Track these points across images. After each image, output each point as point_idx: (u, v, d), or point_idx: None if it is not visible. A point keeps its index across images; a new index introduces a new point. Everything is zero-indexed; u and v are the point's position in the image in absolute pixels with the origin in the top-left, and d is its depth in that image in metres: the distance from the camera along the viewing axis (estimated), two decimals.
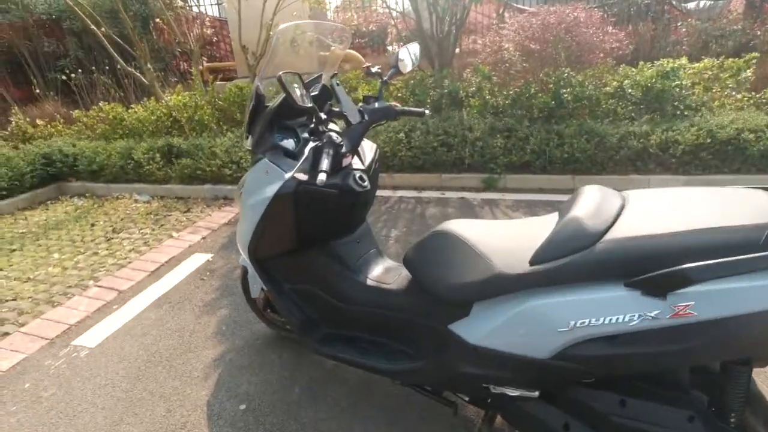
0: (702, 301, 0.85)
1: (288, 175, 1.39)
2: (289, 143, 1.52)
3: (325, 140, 1.35)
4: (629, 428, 1.00)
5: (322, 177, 1.22)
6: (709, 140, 3.41)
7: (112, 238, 3.37)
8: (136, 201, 4.19)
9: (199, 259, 2.95)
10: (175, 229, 3.44)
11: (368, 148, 1.67)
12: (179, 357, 2.04)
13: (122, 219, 3.76)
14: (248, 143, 1.63)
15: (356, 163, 1.57)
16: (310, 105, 1.33)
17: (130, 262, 2.96)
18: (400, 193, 3.97)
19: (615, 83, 4.17)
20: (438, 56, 5.47)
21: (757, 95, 3.89)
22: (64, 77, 6.70)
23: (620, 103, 4.09)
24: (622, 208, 1.05)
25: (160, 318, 2.34)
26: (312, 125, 1.49)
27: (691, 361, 0.98)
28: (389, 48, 9.29)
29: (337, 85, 1.55)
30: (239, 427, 1.64)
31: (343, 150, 1.39)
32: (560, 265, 1.00)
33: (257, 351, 2.04)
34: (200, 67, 6.27)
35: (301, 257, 1.59)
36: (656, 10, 7.87)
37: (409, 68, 1.67)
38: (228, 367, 1.96)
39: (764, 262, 0.81)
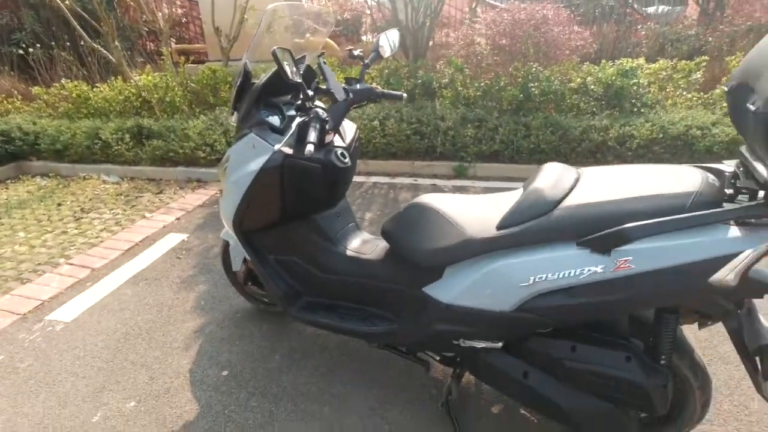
0: (638, 256, 1.01)
1: (276, 148, 1.46)
2: (274, 119, 1.60)
3: (312, 115, 1.44)
4: (579, 370, 1.16)
5: (310, 148, 1.31)
6: (661, 135, 3.69)
7: (82, 218, 3.31)
8: (104, 182, 4.10)
9: (174, 239, 2.95)
10: (147, 210, 3.42)
11: (349, 128, 1.76)
12: (159, 330, 2.08)
13: (91, 199, 3.68)
14: (234, 119, 1.69)
15: (338, 141, 1.66)
16: (299, 80, 1.41)
17: (102, 241, 2.94)
18: (374, 179, 4.07)
19: (579, 80, 4.40)
20: (412, 47, 5.57)
21: (705, 95, 4.21)
22: (21, 52, 6.37)
23: (583, 99, 4.33)
24: (576, 181, 1.20)
25: (137, 294, 2.36)
26: (299, 102, 1.56)
27: (630, 309, 1.14)
28: (363, 37, 9.31)
29: (324, 63, 1.63)
30: (222, 391, 1.72)
31: (328, 126, 1.48)
32: (523, 229, 1.15)
33: (237, 323, 2.11)
34: (169, 48, 6.10)
35: (285, 229, 1.67)
36: (619, 13, 8.26)
37: (388, 53, 1.77)
38: (208, 338, 2.02)
39: (688, 222, 0.98)
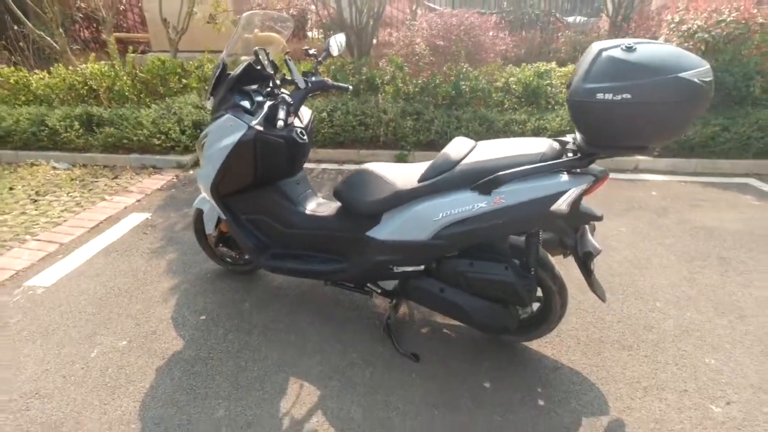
0: (508, 194, 1.52)
1: (252, 124, 1.84)
2: (246, 104, 1.96)
3: (280, 99, 1.83)
4: (475, 278, 1.65)
5: (280, 124, 1.71)
6: (568, 128, 4.40)
7: (38, 200, 3.42)
8: (54, 168, 4.15)
9: (137, 218, 3.18)
10: (106, 193, 3.58)
11: (306, 113, 2.16)
12: (137, 289, 2.37)
13: (43, 184, 3.76)
14: (209, 103, 2.04)
15: (297, 122, 2.07)
16: (271, 72, 1.80)
17: (65, 221, 3.10)
18: (323, 165, 4.46)
19: (503, 80, 5.05)
20: (357, 46, 5.99)
21: None
22: None
23: (506, 96, 4.99)
24: (472, 148, 1.70)
25: (111, 263, 2.61)
26: (268, 89, 1.95)
27: (505, 232, 1.65)
28: (309, 33, 9.56)
29: (289, 60, 2.03)
30: (202, 330, 2.07)
31: (291, 109, 1.88)
32: (435, 180, 1.63)
33: (209, 281, 2.44)
34: (109, 36, 6.06)
35: (255, 194, 2.05)
36: (544, 21, 9.21)
37: (336, 53, 2.18)
38: (184, 293, 2.34)
39: (536, 171, 1.50)
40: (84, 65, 5.09)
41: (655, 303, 2.27)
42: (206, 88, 5.14)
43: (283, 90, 1.99)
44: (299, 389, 1.74)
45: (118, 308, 2.21)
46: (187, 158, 4.25)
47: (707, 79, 1.27)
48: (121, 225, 3.07)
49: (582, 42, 7.75)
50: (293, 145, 1.97)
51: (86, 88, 4.94)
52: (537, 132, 4.46)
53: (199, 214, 2.33)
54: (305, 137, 2.01)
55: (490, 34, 5.17)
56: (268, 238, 2.10)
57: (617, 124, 1.34)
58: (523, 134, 4.48)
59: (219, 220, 2.25)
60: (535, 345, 1.98)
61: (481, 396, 1.72)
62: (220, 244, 2.39)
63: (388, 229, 1.75)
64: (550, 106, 4.91)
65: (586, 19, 9.72)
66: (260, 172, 1.95)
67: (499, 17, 8.87)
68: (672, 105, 1.27)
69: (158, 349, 1.94)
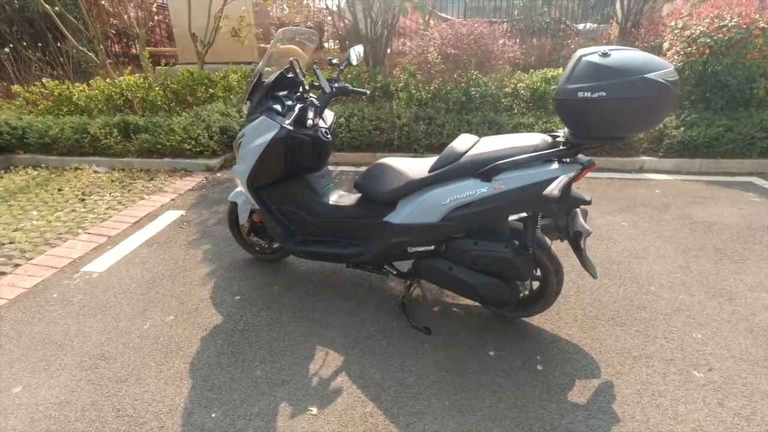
0: (506, 181, 1.75)
1: (284, 124, 2.12)
2: (277, 107, 2.24)
3: (309, 102, 2.11)
4: (479, 256, 1.88)
5: (310, 122, 1.98)
6: None
7: (85, 200, 3.77)
8: (95, 172, 4.52)
9: (173, 215, 3.49)
10: (144, 193, 3.92)
11: (329, 115, 2.44)
12: (178, 274, 2.65)
13: (87, 185, 4.12)
14: (246, 107, 2.33)
15: (321, 123, 2.34)
16: (302, 79, 2.10)
17: (110, 217, 3.43)
18: (341, 167, 4.74)
19: (512, 85, 5.28)
20: (372, 55, 6.30)
21: None
22: None
23: (515, 101, 5.21)
24: (475, 142, 1.94)
25: (153, 253, 2.91)
26: (298, 93, 2.24)
27: (504, 214, 1.87)
28: (326, 44, 9.96)
29: (316, 68, 2.31)
30: (238, 308, 2.33)
31: (318, 110, 2.16)
32: (443, 170, 1.88)
33: (241, 268, 2.72)
34: (143, 51, 6.50)
35: (284, 186, 2.32)
36: (554, 28, 9.41)
37: (355, 62, 2.45)
38: (220, 278, 2.61)
39: (530, 160, 1.73)
40: (120, 78, 5.50)
41: (650, 287, 2.46)
42: (238, 95, 5.52)
43: (310, 94, 2.27)
44: (325, 356, 1.99)
45: (163, 290, 2.49)
46: (215, 162, 4.58)
47: (671, 79, 1.49)
48: (159, 221, 3.38)
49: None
50: (318, 143, 2.24)
51: (122, 98, 5.34)
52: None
53: (234, 206, 2.62)
54: (329, 136, 2.28)
55: (501, 42, 5.41)
56: (296, 226, 2.37)
57: (596, 119, 1.57)
58: None
59: (252, 212, 2.53)
60: (535, 321, 2.19)
61: (486, 362, 1.94)
62: (252, 234, 2.67)
63: (403, 214, 1.99)
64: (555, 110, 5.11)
65: (596, 26, 9.89)
66: (290, 167, 2.23)
67: (510, 25, 9.13)
68: (640, 101, 1.49)
69: (201, 323, 2.21)
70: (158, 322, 2.22)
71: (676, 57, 4.88)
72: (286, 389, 1.80)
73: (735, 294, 2.38)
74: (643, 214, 3.38)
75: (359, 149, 4.92)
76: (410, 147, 4.84)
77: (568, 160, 1.75)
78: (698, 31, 4.70)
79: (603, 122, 1.58)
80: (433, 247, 2.00)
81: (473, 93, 5.05)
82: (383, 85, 5.47)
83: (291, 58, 2.08)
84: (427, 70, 5.51)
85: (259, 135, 2.20)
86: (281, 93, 2.33)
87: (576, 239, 1.82)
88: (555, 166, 1.73)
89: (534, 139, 1.82)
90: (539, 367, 1.90)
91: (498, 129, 4.73)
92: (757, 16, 4.56)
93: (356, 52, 2.44)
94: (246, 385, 1.82)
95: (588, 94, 1.52)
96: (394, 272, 2.27)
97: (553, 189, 1.67)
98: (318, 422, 1.65)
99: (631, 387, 1.79)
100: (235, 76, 5.77)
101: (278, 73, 2.25)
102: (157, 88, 5.34)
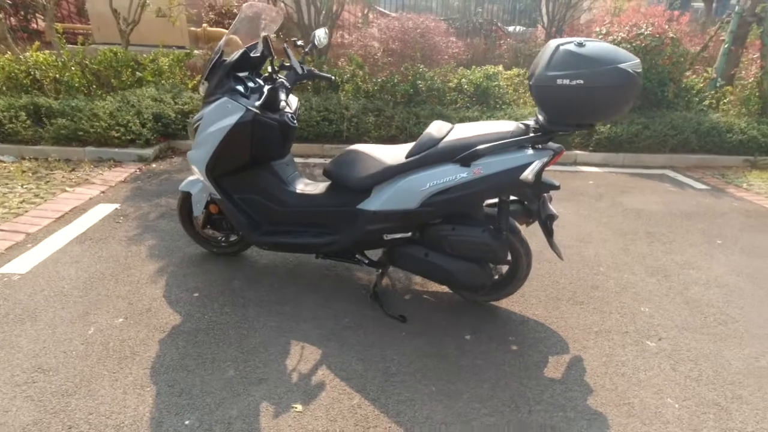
0: (485, 166, 1.78)
1: (250, 107, 1.97)
2: (240, 88, 2.08)
3: (278, 84, 1.98)
4: (457, 241, 1.90)
5: (283, 104, 1.86)
6: None
7: None
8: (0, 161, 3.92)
9: (106, 208, 3.13)
10: (66, 185, 3.46)
11: (293, 100, 2.32)
12: (122, 273, 2.38)
13: None
14: (202, 88, 2.13)
15: (287, 108, 2.21)
16: (274, 57, 1.97)
17: (26, 211, 2.99)
18: None
19: (456, 80, 5.43)
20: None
21: None
22: None
23: (459, 96, 5.36)
24: (450, 129, 1.95)
25: (87, 250, 2.58)
26: (265, 74, 2.09)
27: (483, 198, 1.91)
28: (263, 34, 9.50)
29: (288, 48, 2.17)
30: (198, 306, 2.15)
31: (286, 92, 2.04)
32: (422, 155, 1.87)
33: (195, 264, 2.50)
34: (53, 25, 5.74)
35: (247, 174, 2.17)
36: (487, 29, 9.84)
37: (320, 46, 2.36)
38: (172, 275, 2.39)
39: (507, 146, 1.78)
40: (26, 54, 4.81)
41: (599, 268, 2.66)
42: (170, 81, 5.07)
43: (279, 75, 2.13)
44: (301, 350, 1.89)
45: (105, 290, 2.22)
46: (149, 151, 4.18)
47: (638, 71, 1.60)
48: (89, 215, 3.01)
49: (522, 49, 8.41)
50: (285, 128, 2.12)
51: (29, 78, 4.67)
52: None
53: (186, 197, 2.40)
54: (295, 121, 2.17)
55: (448, 38, 5.53)
56: (260, 216, 2.23)
57: (572, 105, 1.65)
58: None
59: (208, 203, 2.34)
60: (503, 304, 2.26)
61: (464, 346, 1.97)
62: (208, 226, 2.47)
63: (379, 201, 1.95)
64: (497, 105, 5.35)
65: (524, 28, 10.50)
66: (255, 153, 2.08)
67: (447, 24, 9.40)
68: (612, 89, 1.60)
69: (157, 324, 2.00)
70: (105, 325, 1.98)
71: None
72: (265, 388, 1.69)
73: (669, 272, 2.65)
74: (582, 203, 3.64)
75: (307, 140, 4.77)
76: (360, 138, 4.78)
77: (540, 146, 1.82)
78: (620, 38, 5.17)
79: (578, 109, 1.66)
80: (410, 234, 1.99)
81: (420, 86, 5.11)
82: (332, 73, 5.35)
83: (264, 34, 1.93)
84: (373, 62, 5.48)
85: (220, 118, 2.03)
86: (243, 74, 2.17)
87: (548, 222, 1.90)
88: (530, 152, 1.79)
89: (508, 126, 1.87)
90: (514, 347, 1.97)
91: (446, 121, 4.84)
92: (667, 27, 5.12)
93: (320, 35, 2.34)
94: (219, 387, 1.68)
95: (567, 81, 1.58)
96: (366, 261, 2.23)
97: (528, 174, 1.73)
98: (305, 419, 1.57)
99: (598, 359, 1.92)
100: (166, 60, 5.30)
101: (242, 51, 2.08)
102: (73, 68, 4.75)
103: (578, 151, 4.96)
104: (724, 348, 2.02)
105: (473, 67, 5.63)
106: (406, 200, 1.89)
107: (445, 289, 2.34)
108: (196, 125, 2.13)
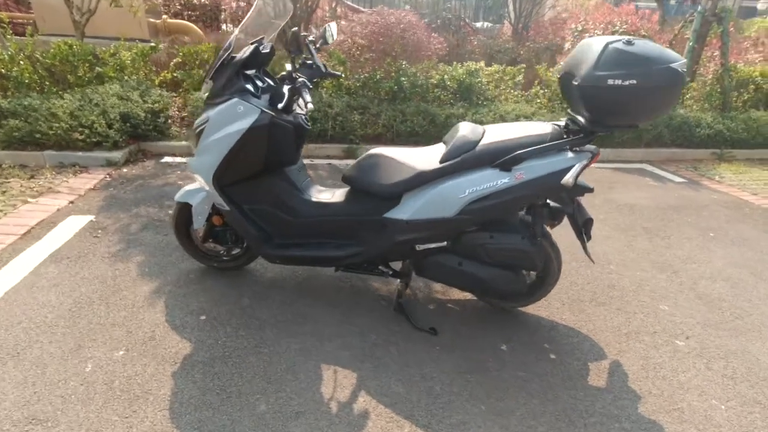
0: (527, 170, 1.70)
1: (265, 109, 1.78)
2: (250, 88, 1.88)
3: (301, 84, 1.79)
4: (495, 249, 1.81)
5: (310, 107, 1.68)
6: (500, 121, 4.83)
7: None
8: None
9: (79, 221, 2.80)
10: (27, 195, 3.08)
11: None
12: (113, 296, 2.11)
13: None
14: (206, 87, 1.91)
15: (298, 109, 2.03)
16: (304, 54, 1.79)
17: None
18: None
19: (438, 76, 5.35)
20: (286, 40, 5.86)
21: (526, 93, 5.60)
22: None
23: (442, 92, 5.29)
24: (484, 131, 1.85)
25: (66, 271, 2.28)
26: (284, 72, 1.89)
27: (524, 203, 1.83)
28: (223, 26, 9.05)
29: (311, 44, 1.99)
30: (207, 330, 1.93)
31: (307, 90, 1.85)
32: (458, 160, 1.75)
33: (194, 281, 2.27)
34: None
35: (258, 182, 1.97)
36: (456, 25, 9.85)
37: (330, 41, 2.18)
38: (171, 295, 2.15)
39: (549, 149, 1.70)
40: None
41: (609, 266, 2.66)
42: (134, 77, 4.65)
43: (298, 74, 1.94)
44: (334, 374, 1.74)
45: (97, 318, 1.96)
46: (118, 155, 3.81)
47: (684, 70, 1.57)
48: (60, 229, 2.68)
49: (492, 45, 8.48)
50: (300, 131, 1.94)
51: None
52: None
53: (182, 208, 2.16)
54: (309, 124, 2.00)
55: (433, 35, 5.43)
56: (272, 228, 2.04)
57: (621, 106, 1.59)
58: None
59: (210, 214, 2.12)
60: (529, 309, 2.20)
61: (502, 357, 1.88)
62: (210, 239, 2.24)
63: (411, 209, 1.82)
64: (480, 102, 5.32)
65: (491, 24, 10.63)
66: (269, 159, 1.89)
67: (417, 19, 9.32)
68: (664, 90, 1.55)
69: (165, 354, 1.78)
70: (104, 360, 1.73)
71: None
72: (304, 422, 1.52)
73: (675, 267, 2.70)
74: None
75: None
76: (345, 137, 4.61)
77: (578, 148, 1.76)
78: (596, 34, 5.28)
79: (627, 110, 1.60)
80: (444, 244, 1.87)
81: (404, 82, 4.99)
82: None
83: (294, 28, 1.74)
84: (355, 58, 5.30)
85: (230, 121, 1.82)
86: (250, 72, 1.96)
87: (587, 226, 1.84)
88: (570, 154, 1.72)
89: (545, 127, 1.80)
90: (552, 356, 1.91)
91: (432, 119, 4.75)
92: (640, 24, 5.28)
93: (332, 29, 2.17)
94: (252, 426, 1.50)
95: (618, 82, 1.52)
96: (390, 272, 2.09)
97: (570, 177, 1.67)
98: None
99: (635, 363, 1.90)
100: (128, 54, 4.87)
101: (253, 47, 1.87)
102: (22, 63, 4.25)
103: None
104: (748, 343, 2.05)
105: (455, 63, 5.57)
106: (443, 208, 1.77)
107: (468, 296, 2.25)
108: (199, 129, 1.91)
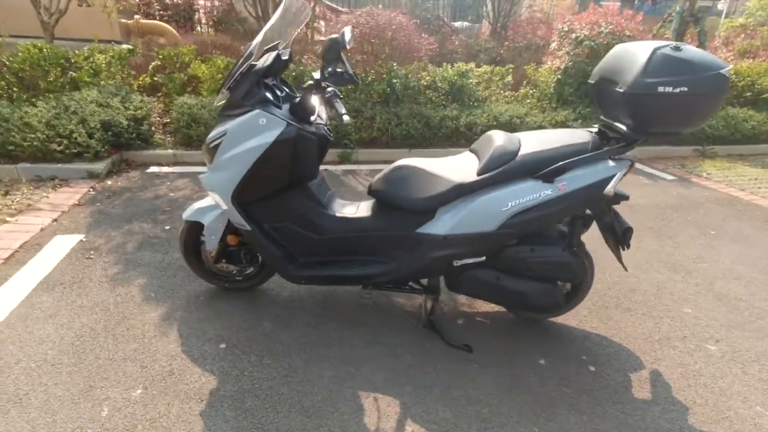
0: (570, 181, 1.64)
1: (291, 121, 1.65)
2: (271, 98, 1.74)
3: (329, 94, 1.66)
4: (536, 262, 1.75)
5: (347, 118, 1.56)
6: (495, 122, 4.81)
7: None
8: None
9: (67, 241, 2.58)
10: (5, 214, 2.82)
11: (323, 110, 2.01)
12: (118, 326, 1.93)
13: None
14: (221, 97, 1.76)
15: (319, 119, 1.91)
16: (345, 65, 1.67)
17: None
18: None
19: (429, 78, 5.28)
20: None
21: (516, 93, 5.60)
22: None
23: (434, 94, 5.23)
24: (520, 140, 1.78)
25: (62, 299, 2.08)
26: (310, 82, 1.75)
27: (566, 216, 1.78)
28: (198, 27, 8.71)
29: (343, 54, 1.85)
30: (230, 360, 1.79)
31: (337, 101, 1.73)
32: (498, 171, 1.68)
33: (207, 305, 2.11)
34: None
35: (280, 198, 1.84)
36: (435, 24, 9.82)
37: (350, 46, 2.06)
38: (183, 322, 1.99)
39: (592, 159, 1.65)
40: None
41: (624, 270, 2.65)
42: (112, 82, 4.36)
43: (327, 83, 1.80)
44: (375, 403, 1.63)
45: (105, 352, 1.78)
46: (100, 166, 3.56)
47: (730, 76, 1.55)
48: (48, 252, 2.46)
49: (473, 45, 8.49)
50: (323, 142, 1.82)
51: None
52: (469, 126, 4.78)
53: (192, 227, 2.01)
54: (331, 134, 1.88)
55: (423, 35, 5.35)
56: (295, 247, 1.91)
57: (670, 113, 1.55)
58: (457, 129, 4.77)
59: (225, 233, 1.97)
60: (558, 320, 2.16)
61: (542, 372, 1.82)
62: (223, 260, 2.08)
63: (448, 224, 1.73)
64: (472, 103, 5.29)
65: (470, 24, 10.67)
66: (294, 174, 1.76)
67: (407, 20, 9.23)
68: (713, 97, 1.52)
69: (188, 391, 1.63)
70: (120, 402, 1.57)
71: (566, 57, 5.46)
72: None
73: (688, 268, 2.72)
74: None
75: None
76: (340, 142, 4.48)
77: (617, 156, 1.72)
78: (582, 35, 5.34)
79: (675, 117, 1.57)
80: (483, 258, 1.79)
81: (396, 84, 4.90)
82: (297, 74, 4.96)
83: (336, 35, 1.62)
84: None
85: (253, 134, 1.68)
86: (268, 80, 1.82)
87: (626, 235, 1.80)
88: (612, 163, 1.68)
89: (584, 135, 1.74)
90: (591, 368, 1.87)
91: (426, 121, 4.68)
92: (625, 24, 5.36)
93: (349, 33, 2.05)
94: None
95: (669, 89, 1.48)
96: (419, 288, 2.00)
97: (611, 187, 1.63)
98: None
99: (674, 371, 1.87)
100: (103, 57, 4.58)
101: (275, 54, 1.74)
102: None
103: None
104: None
105: (444, 64, 5.52)
106: (484, 222, 1.69)
107: (495, 308, 2.19)
108: (214, 143, 1.76)
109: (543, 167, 1.65)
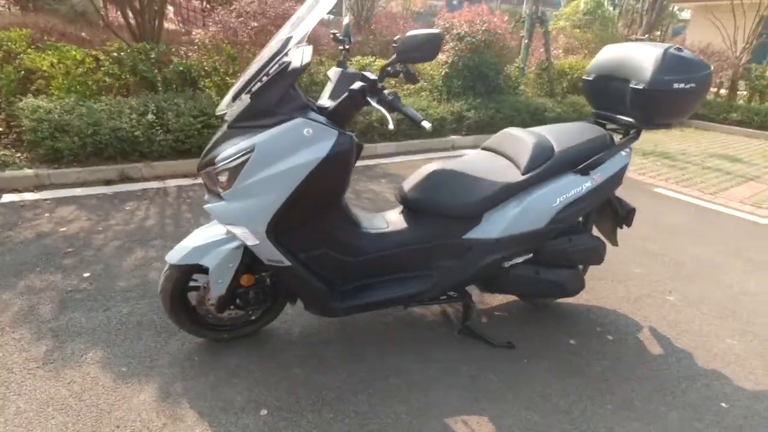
0: (602, 172, 1.77)
1: (342, 131, 1.38)
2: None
3: (391, 97, 1.40)
4: (573, 251, 1.84)
5: (427, 125, 1.35)
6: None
7: None
8: None
9: None
10: None
11: None
12: (104, 427, 1.39)
13: None
14: (239, 105, 1.36)
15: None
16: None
17: None
18: (169, 182, 3.48)
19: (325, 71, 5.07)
20: (139, 28, 4.74)
21: (414, 87, 5.78)
22: None
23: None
24: (546, 137, 1.83)
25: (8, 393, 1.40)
26: (365, 82, 1.45)
27: (599, 203, 1.89)
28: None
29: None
30: (282, 429, 1.45)
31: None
32: (542, 169, 1.71)
33: (210, 365, 1.67)
34: None
35: (320, 220, 1.54)
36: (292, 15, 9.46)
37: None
38: (193, 394, 1.53)
39: (615, 150, 1.80)
40: None
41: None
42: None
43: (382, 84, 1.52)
44: (465, 425, 1.52)
45: None
46: None
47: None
48: None
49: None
50: (358, 151, 1.58)
51: None
52: (380, 121, 4.78)
53: (179, 274, 1.57)
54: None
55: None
56: (335, 276, 1.63)
57: (677, 107, 1.77)
58: (371, 124, 4.73)
59: (236, 274, 1.57)
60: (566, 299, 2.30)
61: (579, 352, 1.94)
62: (231, 306, 1.66)
63: (500, 226, 1.70)
64: None
65: (333, 16, 10.58)
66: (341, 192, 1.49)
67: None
68: (704, 92, 1.79)
69: None
70: None
71: (451, 51, 5.84)
72: None
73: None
74: None
75: (189, 154, 3.71)
76: None
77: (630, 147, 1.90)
78: (463, 32, 5.77)
79: (682, 110, 1.80)
80: (531, 255, 1.81)
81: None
82: (184, 68, 4.25)
83: (411, 32, 1.33)
84: (237, 50, 4.61)
85: (296, 148, 1.36)
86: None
87: (630, 215, 2.01)
88: (625, 152, 1.85)
89: (598, 129, 1.89)
90: (610, 337, 2.05)
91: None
92: (497, 23, 5.97)
93: (347, 21, 1.81)
94: None
95: (682, 86, 1.68)
96: (455, 295, 1.92)
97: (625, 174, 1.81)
98: None
99: (661, 324, 2.18)
100: None
101: (309, 48, 1.40)
102: None
103: (453, 136, 5.42)
104: None
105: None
106: (535, 220, 1.70)
107: (506, 299, 2.25)
108: (233, 164, 1.36)
109: (580, 161, 1.74)
